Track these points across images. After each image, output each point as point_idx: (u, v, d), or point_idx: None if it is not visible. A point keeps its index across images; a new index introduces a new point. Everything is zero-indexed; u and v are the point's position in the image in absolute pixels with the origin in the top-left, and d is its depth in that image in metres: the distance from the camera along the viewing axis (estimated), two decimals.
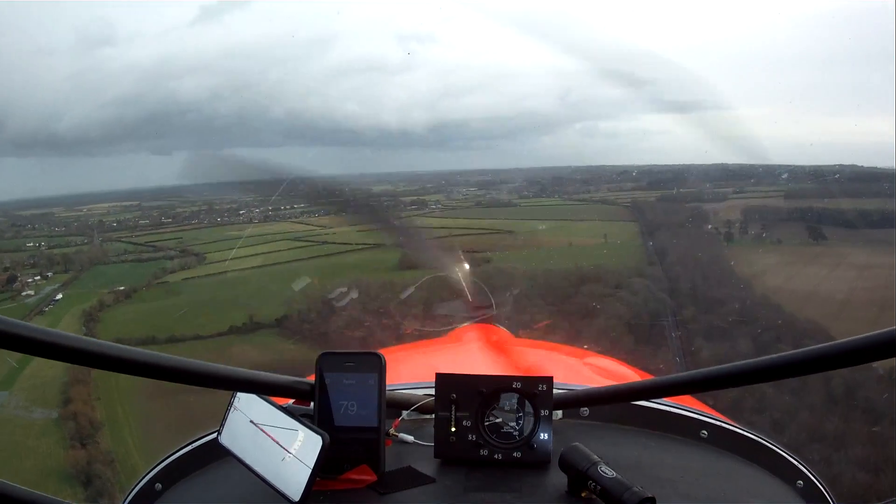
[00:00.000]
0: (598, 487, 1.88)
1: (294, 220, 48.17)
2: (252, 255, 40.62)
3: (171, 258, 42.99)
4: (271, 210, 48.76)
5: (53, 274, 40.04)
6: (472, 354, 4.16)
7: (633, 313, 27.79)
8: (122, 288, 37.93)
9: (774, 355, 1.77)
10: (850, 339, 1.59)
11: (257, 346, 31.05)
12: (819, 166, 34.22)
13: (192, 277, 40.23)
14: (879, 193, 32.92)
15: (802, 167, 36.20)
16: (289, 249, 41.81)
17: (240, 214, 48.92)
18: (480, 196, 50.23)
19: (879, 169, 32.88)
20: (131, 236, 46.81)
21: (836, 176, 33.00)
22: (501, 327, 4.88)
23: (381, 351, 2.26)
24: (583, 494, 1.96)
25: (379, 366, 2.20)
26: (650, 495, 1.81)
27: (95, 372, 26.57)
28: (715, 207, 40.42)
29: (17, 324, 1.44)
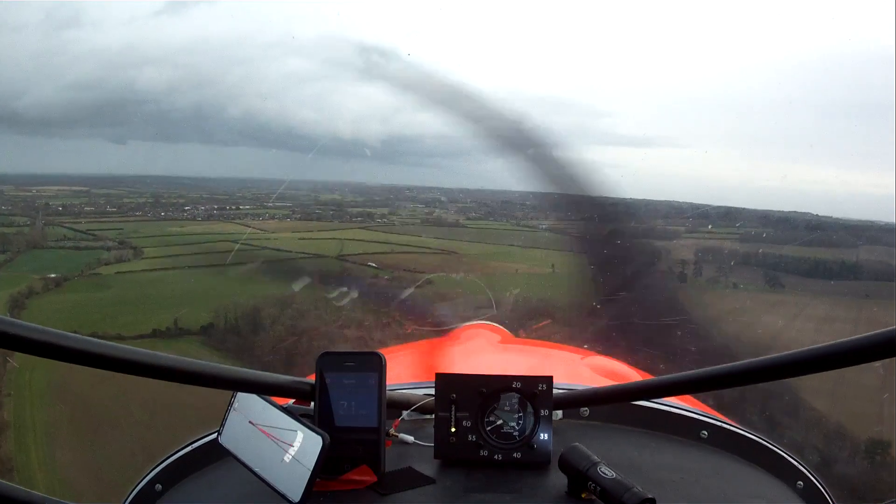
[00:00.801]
0: (598, 488, 1.92)
1: (238, 221, 47.34)
2: (189, 255, 39.44)
3: (109, 249, 42.33)
4: (216, 209, 48.19)
5: None
6: (471, 354, 4.23)
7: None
8: (53, 275, 36.88)
9: (774, 355, 1.81)
10: (850, 338, 1.62)
11: (179, 353, 30.21)
12: (773, 211, 34.35)
13: (126, 272, 39.73)
14: (837, 244, 33.78)
15: (755, 210, 36.00)
16: (226, 252, 40.57)
17: (185, 210, 48.10)
18: (428, 213, 49.61)
19: (835, 219, 33.48)
20: (74, 223, 45.82)
21: (791, 222, 33.46)
22: (501, 327, 4.90)
23: (381, 350, 2.32)
24: (583, 495, 2.00)
25: (379, 365, 2.24)
26: (650, 496, 1.83)
27: (9, 366, 26.69)
28: (668, 245, 39.77)
29: (16, 323, 1.46)
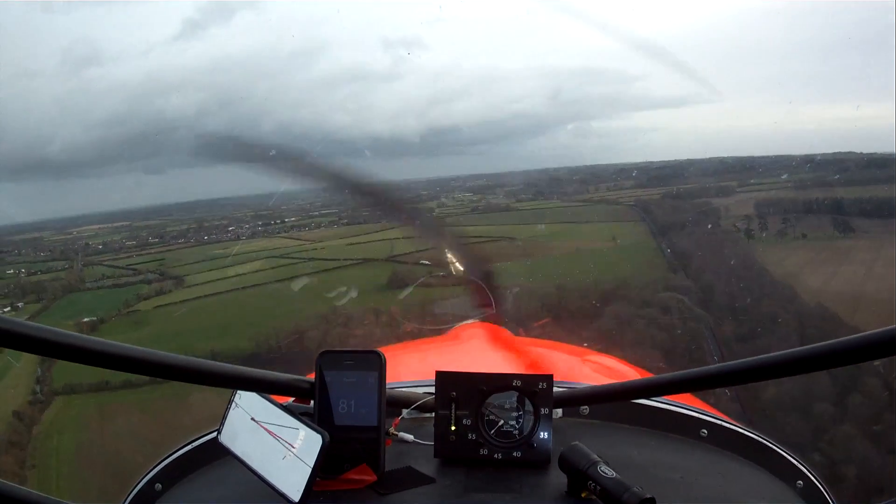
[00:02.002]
0: (598, 488, 1.88)
1: (283, 235, 45.07)
2: (230, 277, 37.29)
3: (150, 282, 41.14)
4: (260, 226, 46.86)
5: (24, 304, 37.63)
6: (471, 353, 4.13)
7: (672, 338, 25.42)
8: (89, 319, 34.87)
9: (775, 353, 1.78)
10: (850, 337, 1.62)
11: (217, 392, 27.49)
12: (817, 155, 32.70)
13: (165, 304, 38.08)
14: (890, 179, 32.03)
15: (803, 156, 33.80)
16: (272, 269, 38.35)
17: (228, 231, 47.31)
18: (476, 201, 48.65)
19: (879, 154, 32.28)
20: (114, 259, 45.01)
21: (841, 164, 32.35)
22: (501, 326, 4.75)
23: (381, 349, 2.24)
24: (583, 495, 1.96)
25: (379, 364, 2.19)
26: (649, 496, 1.80)
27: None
28: (724, 203, 37.08)
29: (20, 322, 1.48)
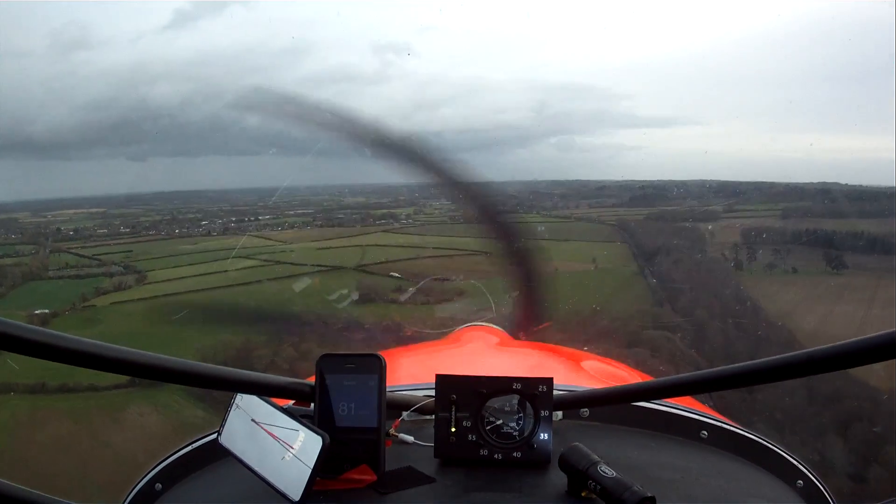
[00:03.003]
0: (598, 487, 1.90)
1: (254, 233, 44.14)
2: (192, 276, 35.87)
3: (112, 275, 39.94)
4: (233, 222, 45.90)
5: None
6: (471, 356, 4.13)
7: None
8: (41, 311, 32.98)
9: (775, 357, 1.81)
10: (850, 340, 1.63)
11: (158, 407, 25.86)
12: (803, 183, 33.76)
13: (122, 302, 36.51)
14: (884, 213, 30.84)
15: (788, 184, 35.07)
16: (236, 270, 36.82)
17: (201, 226, 45.98)
18: (454, 210, 45.22)
19: (872, 187, 31.49)
20: (82, 247, 43.71)
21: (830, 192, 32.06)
22: (500, 329, 4.77)
23: (382, 352, 2.26)
24: (583, 494, 1.98)
25: (379, 367, 2.22)
26: (650, 495, 1.83)
27: None
28: (710, 228, 35.38)
29: (17, 325, 1.49)
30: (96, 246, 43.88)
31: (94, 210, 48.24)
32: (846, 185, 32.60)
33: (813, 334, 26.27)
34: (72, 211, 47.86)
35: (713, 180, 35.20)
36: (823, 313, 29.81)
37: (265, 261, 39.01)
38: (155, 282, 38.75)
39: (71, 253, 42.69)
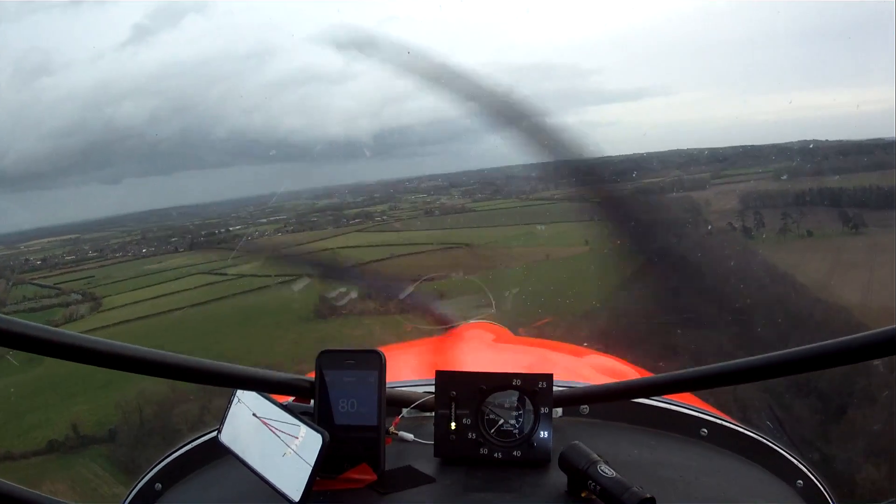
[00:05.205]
0: (598, 487, 1.87)
1: (221, 246, 42.47)
2: (154, 298, 33.33)
3: (68, 304, 38.41)
4: (203, 236, 43.29)
5: None
6: (471, 352, 4.09)
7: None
8: None
9: (774, 353, 1.79)
10: (849, 336, 1.62)
11: (73, 482, 23.02)
12: (790, 143, 29.61)
13: None
14: (883, 165, 29.28)
15: (773, 145, 31.50)
16: (192, 289, 34.62)
17: (170, 242, 44.25)
18: (431, 203, 45.79)
19: (861, 141, 29.85)
20: (46, 277, 42.15)
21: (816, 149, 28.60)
22: (501, 326, 4.76)
23: (381, 349, 2.24)
24: (583, 494, 1.94)
25: (379, 363, 2.19)
26: (649, 496, 1.80)
27: None
28: (704, 196, 32.37)
29: (20, 322, 1.49)
30: (61, 274, 42.44)
31: (66, 237, 46.50)
32: (827, 140, 29.92)
33: (860, 307, 23.11)
34: (46, 240, 46.09)
35: (693, 149, 33.33)
36: (864, 281, 26.46)
37: (227, 276, 36.76)
38: (109, 308, 37.07)
39: (33, 284, 41.12)
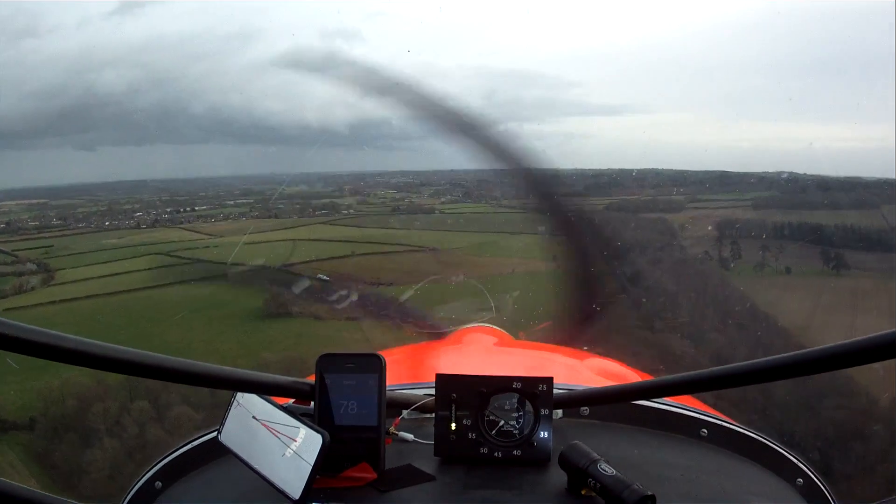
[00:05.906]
0: (598, 485, 1.87)
1: (184, 225, 40.33)
2: (108, 276, 32.62)
3: (22, 274, 36.46)
4: (167, 213, 43.00)
5: None
6: (472, 356, 4.13)
7: None
8: None
9: (775, 356, 1.78)
10: (850, 340, 1.61)
11: None
12: (768, 172, 31.78)
13: (16, 308, 32.73)
14: (862, 204, 29.02)
15: (750, 173, 32.68)
16: (148, 270, 33.64)
17: (134, 217, 43.41)
18: (399, 200, 45.70)
19: (843, 177, 28.94)
20: (6, 241, 40.65)
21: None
22: (500, 329, 4.75)
23: (382, 353, 2.23)
24: (583, 492, 1.95)
25: (379, 367, 2.19)
26: (650, 493, 1.81)
27: None
28: (679, 219, 31.57)
29: (18, 326, 1.46)
30: (21, 240, 41.33)
31: (34, 201, 45.65)
32: (804, 174, 30.10)
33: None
34: (14, 202, 45.33)
35: (668, 169, 32.95)
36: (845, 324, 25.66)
37: (182, 259, 36.38)
38: (60, 283, 35.77)
39: None
